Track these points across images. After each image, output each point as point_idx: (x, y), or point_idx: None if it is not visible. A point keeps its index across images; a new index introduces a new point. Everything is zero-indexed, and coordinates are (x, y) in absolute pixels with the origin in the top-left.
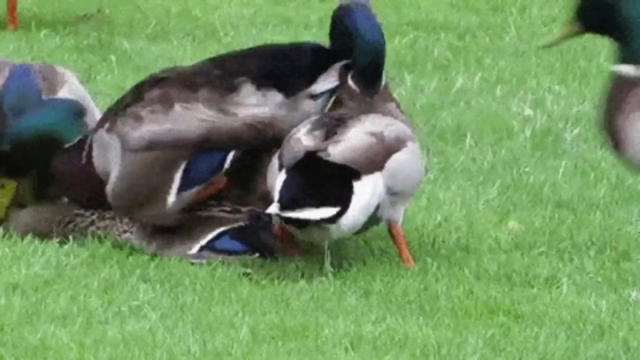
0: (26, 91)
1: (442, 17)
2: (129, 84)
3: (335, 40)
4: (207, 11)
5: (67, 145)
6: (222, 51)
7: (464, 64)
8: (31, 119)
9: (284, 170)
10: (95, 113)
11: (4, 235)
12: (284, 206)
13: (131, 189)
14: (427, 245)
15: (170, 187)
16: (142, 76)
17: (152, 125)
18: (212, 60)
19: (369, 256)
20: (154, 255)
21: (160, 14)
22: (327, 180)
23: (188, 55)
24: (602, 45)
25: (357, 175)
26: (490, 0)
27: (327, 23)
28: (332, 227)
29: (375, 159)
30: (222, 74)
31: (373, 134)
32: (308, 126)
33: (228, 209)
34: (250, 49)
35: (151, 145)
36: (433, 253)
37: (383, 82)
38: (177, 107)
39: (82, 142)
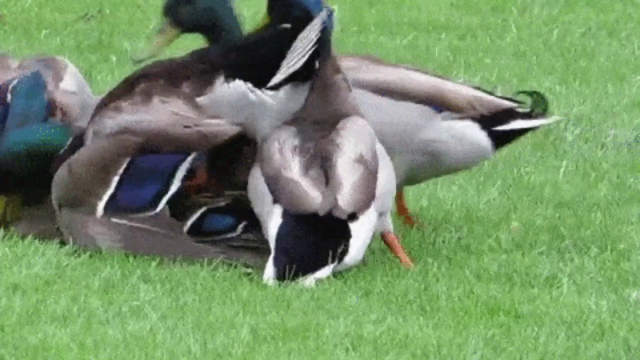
0: (31, 111)
1: (443, 17)
2: None
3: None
4: None
5: (61, 151)
6: None
7: (465, 64)
8: (22, 133)
9: (281, 219)
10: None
11: (4, 236)
12: (281, 276)
13: (70, 180)
14: (427, 246)
15: (104, 192)
16: None
17: (127, 116)
18: (196, 54)
19: (370, 256)
20: (154, 256)
21: (160, 13)
22: (324, 232)
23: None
24: (602, 45)
25: (354, 216)
26: (491, 1)
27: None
28: (339, 267)
29: (371, 193)
30: (203, 67)
31: (359, 162)
32: (297, 160)
33: (209, 194)
34: (232, 42)
35: (111, 132)
36: (434, 253)
37: (330, 53)
38: (156, 100)
39: (75, 141)
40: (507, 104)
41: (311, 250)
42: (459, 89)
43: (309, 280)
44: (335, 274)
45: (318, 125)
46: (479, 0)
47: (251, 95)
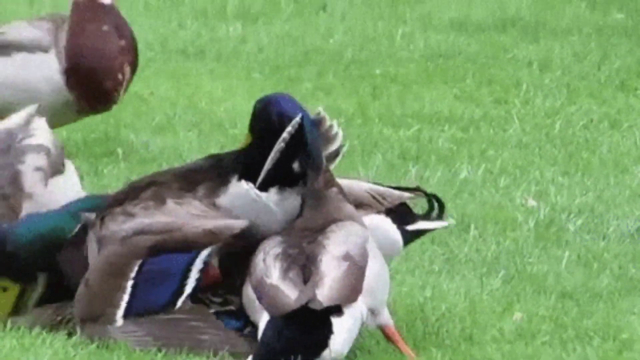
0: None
1: (447, 110)
2: (136, 176)
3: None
4: (213, 103)
5: (69, 237)
6: (228, 143)
7: (468, 156)
8: (33, 223)
9: (265, 320)
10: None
11: (12, 328)
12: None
13: (88, 293)
14: (431, 336)
15: (120, 299)
16: (148, 168)
17: (139, 219)
18: (211, 158)
19: (375, 346)
20: (160, 348)
21: (166, 106)
22: (304, 325)
23: (194, 147)
24: (604, 137)
25: (338, 310)
26: (494, 93)
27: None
28: None
29: (356, 286)
30: (219, 171)
31: (344, 258)
32: (277, 266)
33: (218, 300)
34: (238, 150)
35: (122, 237)
36: (438, 343)
37: (323, 166)
38: (170, 203)
39: (82, 230)
40: (407, 196)
41: (288, 347)
42: (358, 185)
43: None
44: None
45: (307, 231)
46: (482, 93)
47: (251, 193)
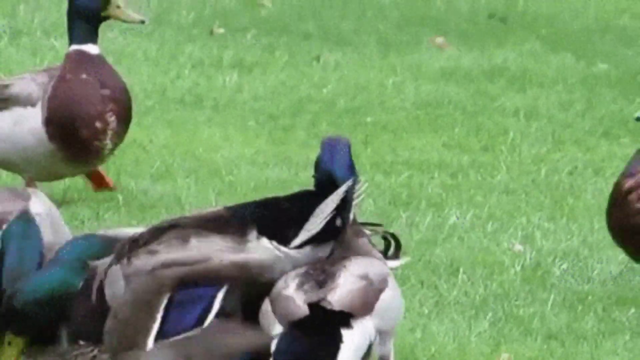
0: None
1: (436, 157)
2: (135, 222)
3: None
4: (210, 151)
5: (77, 289)
6: (225, 190)
7: (457, 201)
8: (40, 280)
9: (281, 323)
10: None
11: None
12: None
13: (118, 325)
14: None
15: (150, 328)
16: (148, 214)
17: (164, 255)
18: (229, 209)
19: None
20: None
21: (164, 154)
22: (322, 329)
23: (192, 193)
24: (589, 183)
25: (347, 323)
26: (482, 140)
27: None
28: None
29: (368, 301)
30: (237, 222)
31: (362, 278)
32: (296, 280)
33: None
34: (258, 201)
35: (149, 270)
36: None
37: (351, 217)
38: (194, 241)
39: (88, 282)
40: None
41: (310, 339)
42: None
43: None
44: None
45: (331, 259)
46: (470, 141)
47: (277, 253)
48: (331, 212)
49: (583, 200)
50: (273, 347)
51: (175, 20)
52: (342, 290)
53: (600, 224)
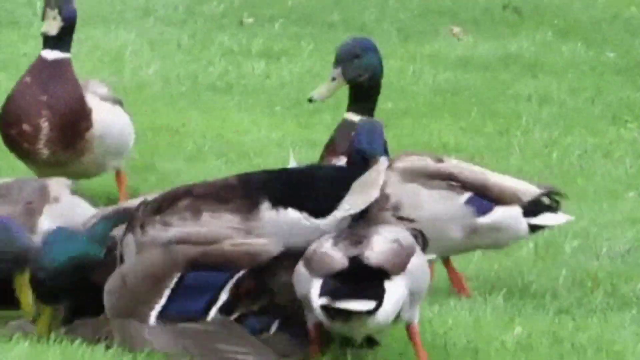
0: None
1: (453, 140)
2: None
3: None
4: (240, 134)
5: (100, 261)
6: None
7: None
8: (65, 247)
9: (319, 277)
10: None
11: (55, 340)
12: (330, 298)
13: (125, 291)
14: (439, 348)
15: (156, 302)
16: None
17: (177, 229)
18: (241, 178)
19: (388, 358)
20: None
21: (196, 137)
22: (361, 281)
23: (222, 174)
24: (598, 166)
25: (387, 275)
26: (497, 125)
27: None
28: (370, 319)
29: (400, 261)
30: (246, 191)
31: (394, 242)
32: (330, 241)
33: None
34: (273, 170)
35: (162, 244)
36: (444, 355)
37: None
38: (206, 215)
39: (110, 250)
40: (539, 192)
41: (352, 287)
42: (502, 181)
43: (356, 306)
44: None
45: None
46: (486, 125)
47: (305, 222)
48: (376, 192)
49: (592, 182)
50: (314, 297)
51: (207, 10)
52: (377, 249)
53: (608, 204)
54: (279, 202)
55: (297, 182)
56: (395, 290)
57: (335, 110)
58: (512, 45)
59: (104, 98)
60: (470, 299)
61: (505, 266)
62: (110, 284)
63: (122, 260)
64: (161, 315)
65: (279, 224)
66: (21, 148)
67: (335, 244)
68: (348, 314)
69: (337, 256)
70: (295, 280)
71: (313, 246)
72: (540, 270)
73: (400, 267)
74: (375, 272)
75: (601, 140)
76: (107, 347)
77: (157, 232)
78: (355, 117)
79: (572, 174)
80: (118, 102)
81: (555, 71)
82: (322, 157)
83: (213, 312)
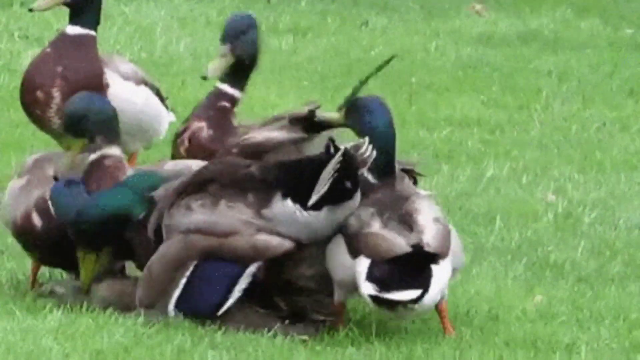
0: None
1: (475, 114)
2: None
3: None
4: (267, 108)
5: (137, 219)
6: None
7: (494, 156)
8: (107, 199)
9: (368, 259)
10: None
11: (87, 308)
12: (378, 288)
13: (150, 280)
14: (461, 316)
15: (173, 291)
16: None
17: (196, 216)
18: (262, 166)
19: (411, 325)
20: (221, 325)
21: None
22: (412, 266)
23: None
24: (616, 139)
25: (437, 260)
26: (517, 99)
27: None
28: (416, 306)
29: (448, 244)
30: (264, 184)
31: (436, 220)
32: (377, 220)
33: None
34: (287, 161)
35: (182, 231)
36: (467, 322)
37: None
38: (223, 204)
39: (148, 215)
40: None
41: (402, 274)
42: None
43: (402, 296)
44: (380, 341)
45: (388, 202)
46: (507, 99)
47: (298, 215)
48: (330, 177)
49: (610, 155)
50: (361, 282)
51: None
52: (431, 234)
53: (626, 176)
54: (286, 193)
55: (293, 170)
56: (442, 274)
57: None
58: (532, 22)
59: (127, 77)
60: (492, 268)
61: (525, 237)
62: (142, 277)
63: (158, 227)
64: (176, 307)
65: (284, 216)
66: (35, 115)
67: (385, 224)
68: (396, 302)
69: (397, 241)
70: (332, 260)
71: (356, 223)
72: (560, 240)
73: (447, 249)
74: (428, 257)
75: (619, 114)
76: (137, 315)
77: (181, 217)
78: (228, 89)
79: (591, 147)
80: (146, 83)
81: (575, 47)
82: (187, 120)
83: (223, 309)
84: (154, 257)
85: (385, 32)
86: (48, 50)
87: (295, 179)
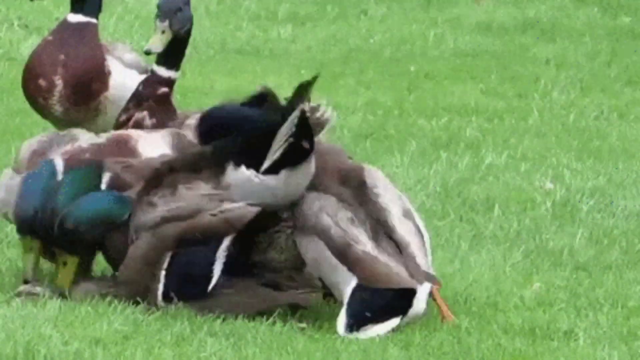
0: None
1: (473, 102)
2: None
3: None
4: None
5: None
6: None
7: (493, 144)
8: (92, 202)
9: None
10: None
11: (87, 296)
12: (352, 329)
13: (129, 279)
14: (460, 303)
15: (156, 287)
16: None
17: (160, 208)
18: (214, 144)
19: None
20: (219, 313)
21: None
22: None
23: None
24: (614, 127)
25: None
26: (516, 88)
27: (373, 107)
28: (404, 320)
29: (427, 247)
30: (219, 156)
31: (406, 216)
32: (364, 236)
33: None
34: (236, 134)
35: (150, 226)
36: (465, 310)
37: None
38: (181, 188)
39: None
40: None
41: (383, 304)
42: None
43: (378, 330)
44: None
45: (347, 188)
46: (505, 88)
47: (255, 180)
48: (286, 138)
49: (608, 142)
50: (347, 296)
51: None
52: (419, 255)
53: (624, 164)
54: (238, 161)
55: (243, 136)
56: (424, 287)
57: (359, 74)
58: (530, 10)
59: (129, 65)
60: (490, 256)
61: (523, 224)
62: (121, 276)
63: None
64: (164, 298)
65: (240, 185)
66: (37, 103)
67: (374, 244)
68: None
69: (401, 273)
70: (316, 265)
71: (341, 236)
72: (558, 228)
73: (428, 258)
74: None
75: (617, 102)
76: (138, 303)
77: (145, 215)
78: (164, 72)
79: (589, 135)
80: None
81: (573, 35)
82: (127, 109)
83: (210, 286)
84: (125, 261)
85: (384, 21)
86: (50, 38)
87: (248, 145)
